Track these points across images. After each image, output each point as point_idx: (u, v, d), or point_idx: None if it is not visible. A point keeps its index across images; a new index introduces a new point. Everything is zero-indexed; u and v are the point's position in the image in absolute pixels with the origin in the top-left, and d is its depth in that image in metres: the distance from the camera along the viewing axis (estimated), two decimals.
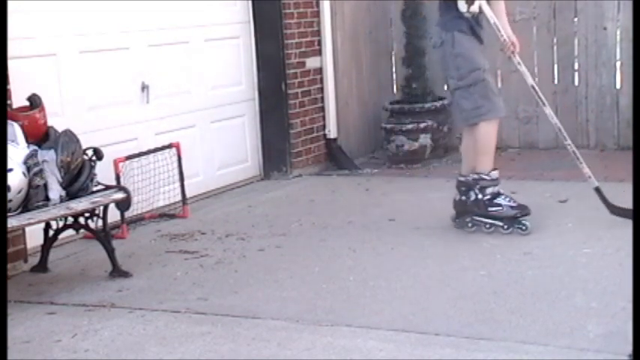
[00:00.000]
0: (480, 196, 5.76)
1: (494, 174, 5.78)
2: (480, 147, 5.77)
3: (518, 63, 5.84)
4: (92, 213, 5.26)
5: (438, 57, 6.03)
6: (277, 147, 8.00)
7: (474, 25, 5.76)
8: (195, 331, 4.33)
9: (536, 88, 5.97)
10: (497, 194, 5.76)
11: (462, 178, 5.86)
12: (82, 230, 5.41)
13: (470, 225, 5.80)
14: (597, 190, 5.87)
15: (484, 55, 5.82)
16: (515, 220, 5.69)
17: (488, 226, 5.73)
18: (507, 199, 5.78)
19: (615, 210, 5.79)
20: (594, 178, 5.91)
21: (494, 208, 5.73)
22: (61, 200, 5.04)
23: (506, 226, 5.69)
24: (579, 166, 5.94)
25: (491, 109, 5.72)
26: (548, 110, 6.00)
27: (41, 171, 4.94)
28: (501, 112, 5.84)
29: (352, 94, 8.76)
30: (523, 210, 5.74)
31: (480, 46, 5.79)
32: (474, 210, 5.78)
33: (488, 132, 5.74)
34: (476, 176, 5.77)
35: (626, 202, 5.58)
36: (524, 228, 5.68)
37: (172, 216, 6.69)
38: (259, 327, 4.34)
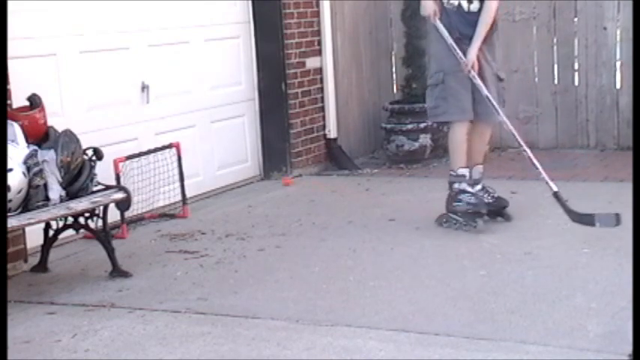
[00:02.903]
0: (449, 191, 5.99)
1: (461, 171, 5.94)
2: (451, 146, 6.02)
3: (474, 77, 5.87)
4: (92, 213, 5.26)
5: None
6: (277, 147, 8.00)
7: (454, 22, 5.87)
8: (196, 331, 4.33)
9: (490, 98, 5.87)
10: (462, 191, 5.94)
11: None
12: (82, 230, 5.41)
13: (444, 221, 5.97)
14: (556, 195, 5.72)
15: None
16: (469, 215, 5.83)
17: (454, 222, 5.90)
18: (472, 196, 5.93)
19: (575, 217, 5.60)
20: (553, 183, 5.77)
21: (455, 203, 5.93)
22: (61, 200, 5.04)
23: (463, 222, 5.85)
24: (536, 170, 5.85)
25: (446, 112, 5.92)
26: (503, 117, 5.97)
27: (41, 171, 4.94)
28: (459, 116, 5.90)
29: (352, 94, 8.76)
30: (478, 207, 5.86)
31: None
32: (447, 205, 6.01)
33: (454, 132, 5.95)
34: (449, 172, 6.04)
35: (626, 202, 5.57)
36: (474, 225, 5.79)
37: (172, 216, 6.69)
38: (259, 327, 4.34)
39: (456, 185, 5.95)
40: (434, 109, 6.00)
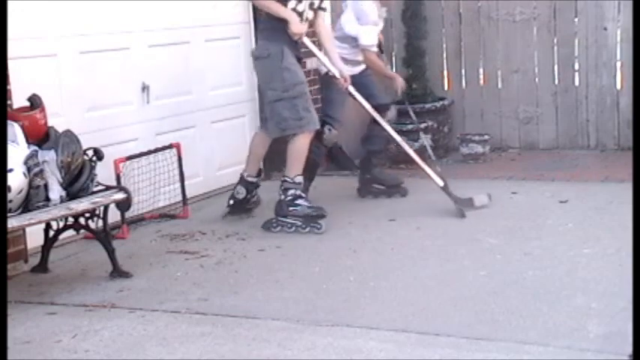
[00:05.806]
0: (282, 197, 6.16)
1: (298, 179, 6.18)
2: (294, 155, 6.18)
3: (351, 94, 6.55)
4: (92, 213, 5.26)
5: (260, 68, 6.32)
6: (278, 147, 7.94)
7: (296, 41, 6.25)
8: (196, 331, 4.33)
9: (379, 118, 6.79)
10: (299, 196, 6.15)
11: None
12: (82, 230, 5.41)
13: (275, 225, 6.15)
14: (444, 188, 6.46)
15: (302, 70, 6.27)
16: (312, 219, 6.07)
17: (289, 226, 6.10)
18: (306, 201, 6.19)
19: (460, 201, 6.38)
20: (439, 178, 6.51)
21: (292, 208, 6.13)
22: (62, 200, 5.04)
23: (304, 225, 6.07)
24: (422, 168, 6.64)
25: (310, 122, 6.18)
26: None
27: (41, 171, 4.94)
28: (317, 125, 6.28)
29: None
30: (319, 210, 6.14)
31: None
32: (278, 211, 6.19)
33: (304, 142, 6.17)
34: (282, 179, 6.23)
35: (626, 202, 5.56)
36: (318, 227, 6.05)
37: (173, 216, 6.70)
38: (259, 327, 4.34)
39: (292, 191, 6.13)
40: (298, 121, 6.09)
